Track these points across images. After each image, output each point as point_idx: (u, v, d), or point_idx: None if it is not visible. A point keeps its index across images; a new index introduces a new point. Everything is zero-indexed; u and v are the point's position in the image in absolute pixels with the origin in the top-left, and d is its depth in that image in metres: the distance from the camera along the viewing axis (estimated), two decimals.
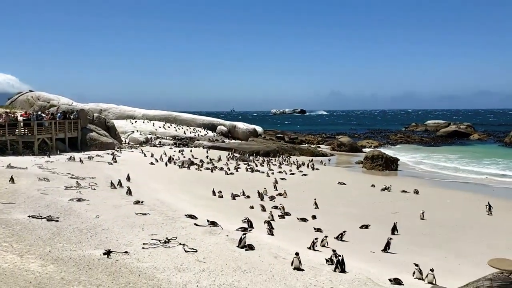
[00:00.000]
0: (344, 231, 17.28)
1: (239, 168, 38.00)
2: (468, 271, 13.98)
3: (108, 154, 39.27)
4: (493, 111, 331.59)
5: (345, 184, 31.48)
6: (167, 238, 13.59)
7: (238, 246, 13.30)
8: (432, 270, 12.29)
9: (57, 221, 14.89)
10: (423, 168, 44.86)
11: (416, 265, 12.78)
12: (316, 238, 15.29)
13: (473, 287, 1.70)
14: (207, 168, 36.59)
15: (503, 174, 40.76)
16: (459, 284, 12.38)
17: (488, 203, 24.93)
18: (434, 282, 11.97)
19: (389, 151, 51.12)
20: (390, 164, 42.70)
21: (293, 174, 36.51)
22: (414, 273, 12.61)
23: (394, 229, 18.68)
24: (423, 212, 21.87)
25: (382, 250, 15.89)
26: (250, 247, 13.24)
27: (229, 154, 47.19)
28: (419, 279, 12.38)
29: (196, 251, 12.53)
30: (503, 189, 33.09)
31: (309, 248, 14.80)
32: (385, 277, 11.69)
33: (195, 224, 15.95)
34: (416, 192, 28.90)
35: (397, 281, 11.43)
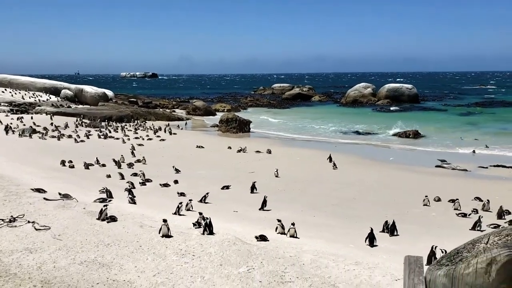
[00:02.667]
0: (207, 193, 17.22)
1: (90, 135, 35.35)
2: (324, 222, 15.08)
3: None
4: (328, 74, 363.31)
5: (203, 148, 31.47)
6: (12, 216, 11.82)
7: (98, 219, 12.20)
8: (293, 224, 12.85)
9: None
10: (273, 129, 47.20)
11: (279, 220, 13.24)
12: (180, 203, 14.93)
13: (487, 257, 1.48)
14: (53, 136, 33.24)
15: (344, 131, 45.01)
16: (316, 234, 13.27)
17: (330, 155, 27.33)
18: (295, 235, 12.56)
19: (241, 114, 52.57)
20: (243, 127, 43.99)
21: (150, 139, 35.27)
22: (276, 228, 13.06)
23: (253, 188, 19.25)
24: (277, 170, 22.93)
25: (259, 209, 16.30)
26: (112, 219, 12.26)
27: (77, 120, 43.54)
28: (282, 233, 12.86)
29: (49, 228, 11.15)
30: (344, 144, 36.57)
31: (175, 213, 14.38)
32: (251, 235, 11.87)
33: (44, 198, 14.21)
34: (269, 151, 30.21)
35: (262, 237, 11.68)
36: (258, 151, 30.26)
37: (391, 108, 69.10)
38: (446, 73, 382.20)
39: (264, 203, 16.60)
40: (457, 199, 17.50)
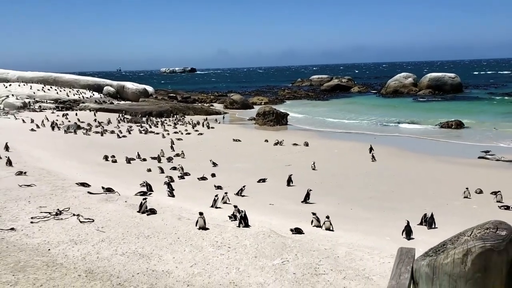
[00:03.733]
0: (244, 186, 17.47)
1: (131, 130, 36.37)
2: (360, 215, 15.03)
3: None
4: (367, 65, 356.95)
5: (240, 141, 31.76)
6: (58, 209, 12.49)
7: (139, 212, 12.71)
8: (328, 217, 12.89)
9: None
10: (311, 121, 46.99)
11: (314, 213, 13.31)
12: (217, 196, 15.25)
13: (463, 248, 1.60)
14: (96, 132, 34.48)
15: (384, 123, 44.27)
16: (352, 227, 13.25)
17: (371, 146, 27.03)
18: (331, 228, 12.60)
19: (279, 107, 52.60)
20: (281, 119, 44.03)
21: (189, 133, 35.95)
22: (312, 221, 13.14)
23: (289, 181, 19.36)
24: (314, 163, 22.91)
25: (302, 201, 16.45)
26: (152, 211, 12.73)
27: (119, 116, 44.87)
28: (317, 226, 12.93)
29: (93, 221, 11.71)
30: (383, 136, 36.01)
31: (211, 206, 14.72)
32: (287, 228, 12.02)
33: (88, 192, 14.89)
34: (306, 144, 30.18)
35: (298, 230, 11.81)
36: (295, 144, 30.31)
37: (433, 98, 67.27)
38: (490, 60, 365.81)
39: (307, 196, 16.65)
40: (499, 191, 16.97)
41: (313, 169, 22.58)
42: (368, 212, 15.51)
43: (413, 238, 12.27)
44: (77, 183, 16.15)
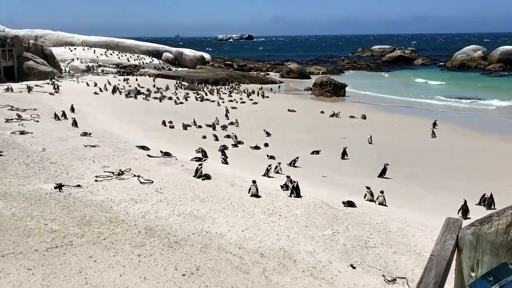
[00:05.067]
0: (297, 157, 17.63)
1: (188, 97, 37.27)
2: (416, 192, 14.84)
3: (48, 84, 37.08)
4: (434, 36, 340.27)
5: (295, 111, 31.79)
6: (120, 170, 13.28)
7: (194, 176, 13.25)
8: (382, 192, 12.85)
9: (1, 155, 14.13)
10: (370, 93, 45.98)
11: (368, 188, 13.30)
12: (270, 165, 15.53)
13: (507, 220, 1.72)
14: (155, 98, 35.63)
15: (448, 98, 42.57)
16: (406, 203, 13.17)
17: (435, 122, 26.25)
18: (384, 203, 12.58)
19: (337, 77, 51.72)
20: (338, 90, 43.40)
21: (243, 102, 36.35)
22: (365, 195, 13.15)
23: (344, 154, 19.29)
24: (370, 137, 22.60)
25: (378, 176, 16.42)
26: (207, 177, 13.24)
27: (177, 82, 45.97)
28: (371, 200, 12.94)
29: (152, 182, 12.37)
30: (446, 111, 34.73)
31: (264, 175, 15.04)
32: (339, 200, 12.13)
33: (148, 155, 15.67)
34: (364, 117, 29.72)
35: (350, 203, 11.88)
36: (352, 117, 29.94)
37: (504, 73, 63.53)
38: None
39: (384, 171, 16.49)
40: None
41: (370, 143, 22.32)
42: (424, 189, 15.26)
43: (469, 218, 12.00)
44: (137, 146, 17.02)
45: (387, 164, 16.61)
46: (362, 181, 15.35)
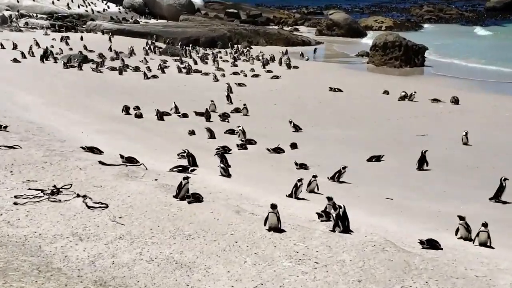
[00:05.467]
0: (344, 167, 17.46)
1: (166, 67, 37.38)
2: None
3: None
4: None
5: (341, 91, 31.69)
6: (55, 186, 13.21)
7: (176, 197, 13.14)
8: (485, 225, 12.66)
9: None
10: (464, 63, 45.57)
11: (461, 218, 13.10)
12: (299, 180, 15.34)
13: None
14: (112, 68, 35.74)
15: None
16: None
17: None
18: (489, 243, 12.43)
19: (410, 35, 51.23)
20: (413, 57, 43.07)
21: (256, 76, 36.26)
22: (457, 230, 12.97)
23: (422, 162, 19.09)
24: (466, 134, 22.36)
25: (490, 199, 15.99)
26: (196, 198, 13.12)
27: (148, 44, 46.13)
28: (466, 239, 12.76)
29: (107, 207, 12.28)
30: None
31: (290, 195, 14.90)
32: (413, 238, 11.98)
33: (100, 162, 15.60)
34: (455, 101, 29.54)
35: (431, 243, 11.72)
36: (435, 100, 29.80)
37: None
38: None
39: (501, 189, 15.89)
40: None
41: (465, 143, 22.05)
42: None
43: None
44: (83, 148, 16.98)
45: (505, 179, 16.33)
46: (453, 206, 15.16)
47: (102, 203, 12.52)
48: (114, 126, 22.19)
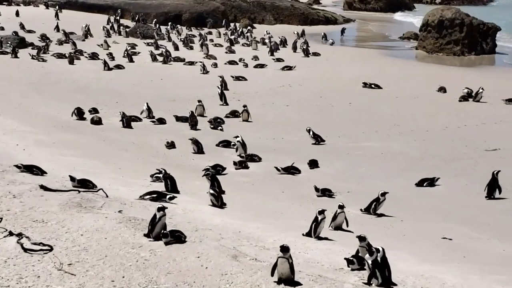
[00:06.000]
0: (383, 194, 17.39)
1: (135, 54, 37.70)
2: None
3: None
4: None
5: (379, 88, 31.96)
6: None
7: (148, 236, 13.09)
8: None
9: None
10: None
11: None
12: (321, 212, 15.27)
13: None
14: (60, 56, 35.88)
15: None
16: None
17: None
18: None
19: (476, 11, 51.27)
20: (480, 41, 43.12)
21: (261, 66, 36.70)
22: None
23: (493, 187, 19.07)
24: None
25: None
26: (176, 237, 13.04)
27: (110, 21, 46.50)
28: None
29: (51, 249, 12.24)
30: None
31: (308, 234, 14.87)
32: None
33: (42, 187, 15.53)
34: None
35: None
36: (510, 100, 29.95)
37: None
38: None
39: None
40: None
41: None
42: None
43: None
44: (18, 167, 16.90)
45: None
46: None
47: (44, 245, 12.46)
48: (61, 136, 22.13)
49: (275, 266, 11.68)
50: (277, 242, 12.57)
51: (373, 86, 31.97)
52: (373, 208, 17.21)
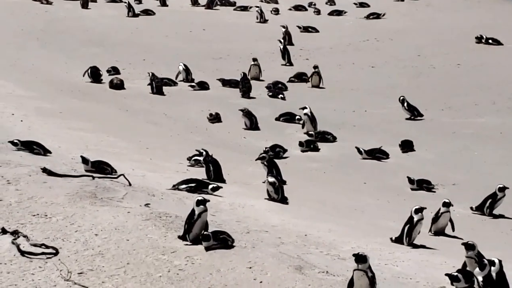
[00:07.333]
0: (502, 189, 17.37)
1: None
2: None
3: None
4: None
5: (499, 44, 31.72)
6: None
7: (184, 238, 13.16)
8: None
9: None
10: None
11: None
12: (418, 211, 15.31)
13: None
14: None
15: None
16: None
17: None
18: None
19: None
20: None
21: (338, 13, 36.90)
22: None
23: None
24: None
25: None
26: (222, 240, 13.13)
27: None
28: None
29: (56, 253, 12.35)
30: None
31: (398, 239, 14.92)
32: None
33: (45, 170, 15.68)
34: None
35: None
36: None
37: None
38: None
39: None
40: None
41: None
42: None
43: None
44: (13, 143, 17.08)
45: None
46: None
47: (47, 247, 12.61)
48: (71, 103, 22.34)
49: (351, 282, 11.65)
50: (356, 250, 12.49)
51: (490, 41, 31.75)
52: (488, 206, 17.17)
